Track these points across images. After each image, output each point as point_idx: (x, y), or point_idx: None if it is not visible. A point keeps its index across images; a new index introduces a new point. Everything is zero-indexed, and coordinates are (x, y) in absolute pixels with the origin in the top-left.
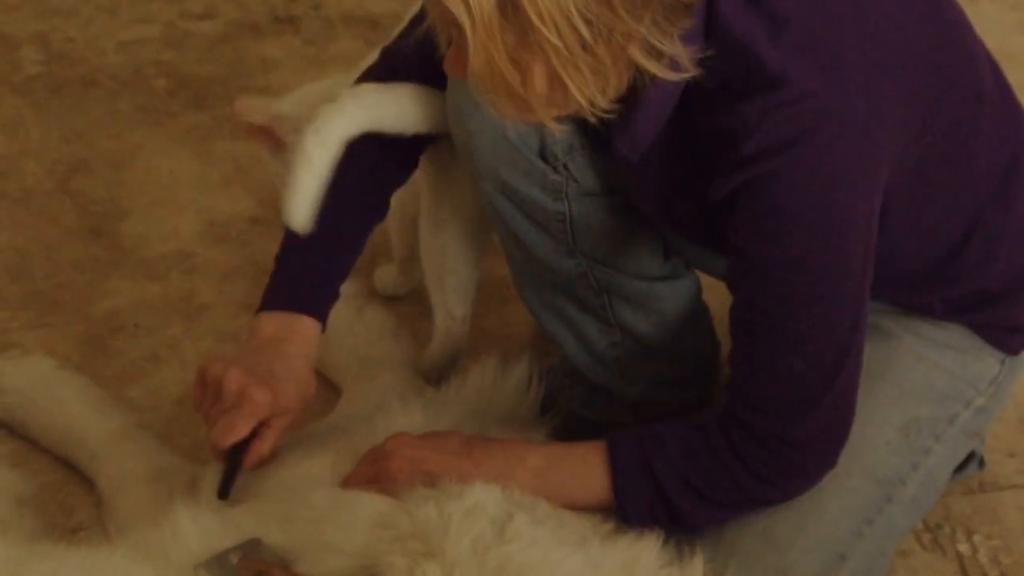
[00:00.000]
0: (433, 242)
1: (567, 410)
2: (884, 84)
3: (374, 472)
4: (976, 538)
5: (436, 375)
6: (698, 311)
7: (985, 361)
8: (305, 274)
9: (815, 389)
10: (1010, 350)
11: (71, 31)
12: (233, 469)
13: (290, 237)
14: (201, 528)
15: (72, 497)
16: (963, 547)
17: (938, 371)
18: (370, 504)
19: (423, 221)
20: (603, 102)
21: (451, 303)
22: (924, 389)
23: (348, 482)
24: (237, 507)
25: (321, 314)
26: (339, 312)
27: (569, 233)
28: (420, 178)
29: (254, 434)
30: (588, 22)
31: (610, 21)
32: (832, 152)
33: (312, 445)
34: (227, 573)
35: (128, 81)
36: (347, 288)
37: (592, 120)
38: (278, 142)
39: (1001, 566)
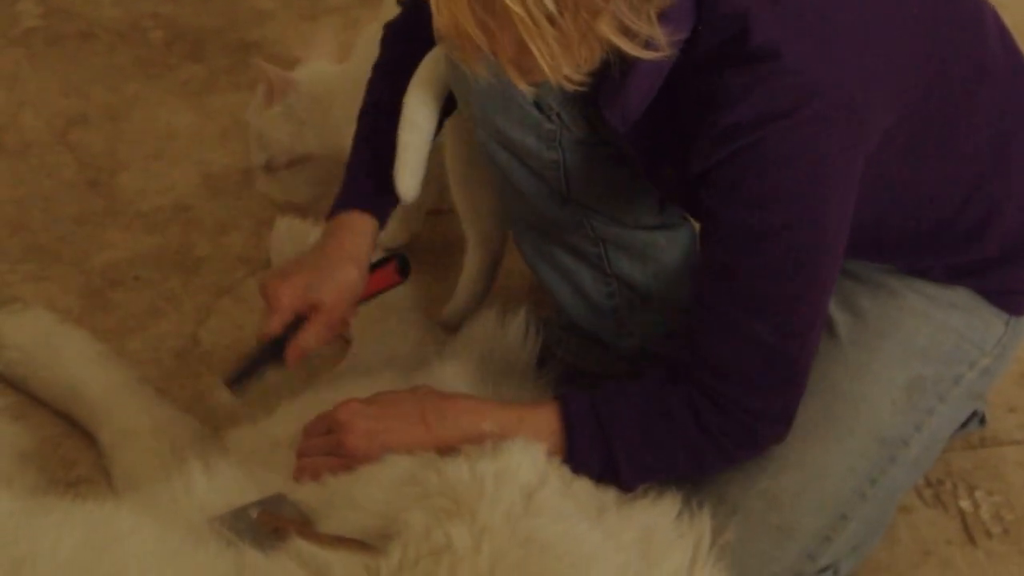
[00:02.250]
0: (465, 172)
1: (563, 362)
2: (876, 60)
3: (330, 445)
4: (978, 494)
5: (459, 318)
6: (694, 262)
7: (990, 322)
8: (360, 175)
9: (779, 360)
10: (1014, 311)
11: None
12: (254, 365)
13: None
14: (218, 482)
15: (73, 451)
16: (965, 503)
17: (944, 331)
18: (401, 463)
19: (452, 153)
20: (574, 75)
21: (488, 226)
22: (930, 348)
23: (301, 453)
24: (260, 461)
25: (373, 208)
26: None
27: (563, 181)
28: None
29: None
30: None
31: None
32: (817, 127)
33: (333, 392)
34: (244, 527)
35: (125, 34)
36: None
37: (568, 90)
38: (277, 96)
39: (1004, 522)
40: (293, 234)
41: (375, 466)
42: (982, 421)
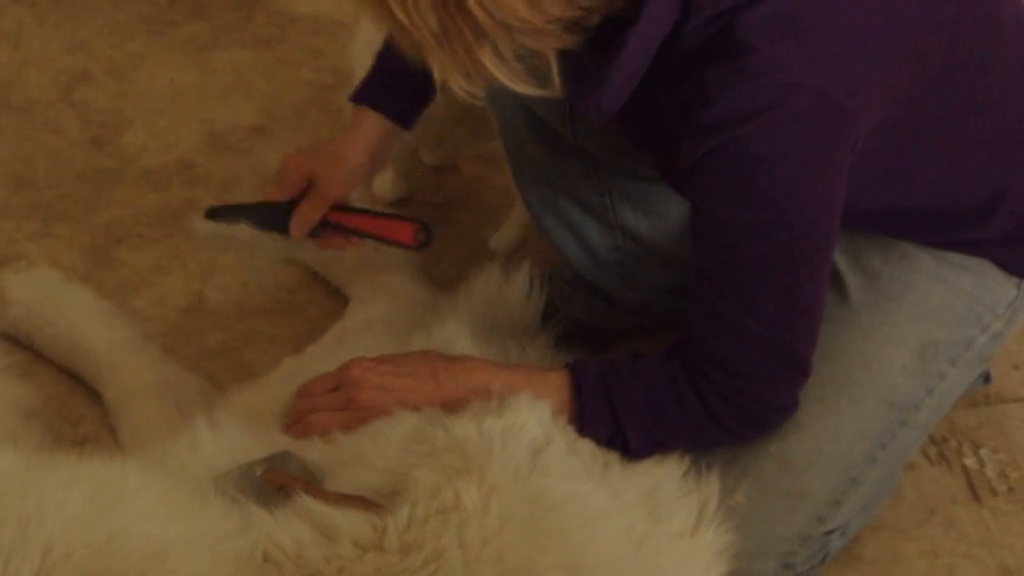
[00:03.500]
0: None
1: (568, 318)
2: (861, 57)
3: (340, 401)
4: (983, 452)
5: (508, 246)
6: None
7: (1002, 285)
8: (378, 76)
9: (776, 351)
10: None
11: None
12: (236, 209)
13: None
14: (223, 440)
15: (79, 408)
16: (970, 461)
17: (956, 293)
18: (407, 420)
19: None
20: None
21: None
22: (942, 311)
23: (308, 409)
24: (265, 419)
25: (386, 110)
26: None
27: (570, 128)
28: None
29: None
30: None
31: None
32: (795, 126)
33: (333, 350)
34: (250, 485)
35: None
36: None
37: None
38: None
39: (1009, 480)
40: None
41: (382, 423)
42: (987, 379)
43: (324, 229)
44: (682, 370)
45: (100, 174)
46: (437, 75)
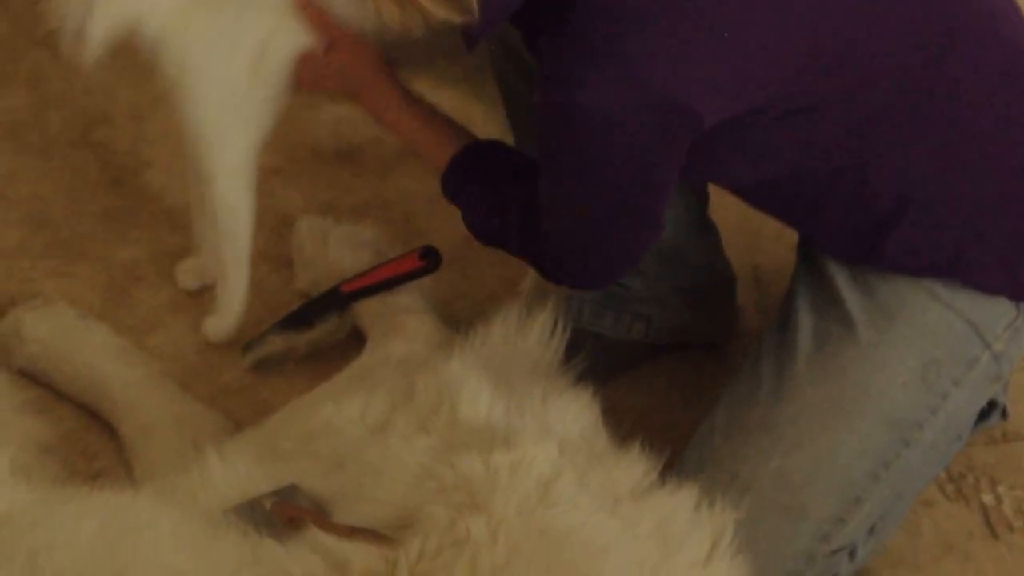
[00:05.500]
0: None
1: (578, 329)
2: (710, 44)
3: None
4: (1000, 488)
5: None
6: (704, 216)
7: (1000, 304)
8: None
9: (576, 253)
10: (1017, 297)
11: None
12: (274, 330)
13: None
14: (233, 472)
15: (94, 444)
16: (987, 498)
17: (952, 312)
18: (415, 456)
19: None
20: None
21: None
22: (940, 330)
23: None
24: (274, 453)
25: None
26: (362, 259)
27: None
28: None
29: None
30: None
31: None
32: (618, 112)
33: (345, 388)
34: (260, 518)
35: None
36: (368, 234)
37: None
38: None
39: None
40: (314, 233)
41: (388, 461)
42: (1004, 414)
43: (345, 304)
44: (524, 203)
45: (118, 214)
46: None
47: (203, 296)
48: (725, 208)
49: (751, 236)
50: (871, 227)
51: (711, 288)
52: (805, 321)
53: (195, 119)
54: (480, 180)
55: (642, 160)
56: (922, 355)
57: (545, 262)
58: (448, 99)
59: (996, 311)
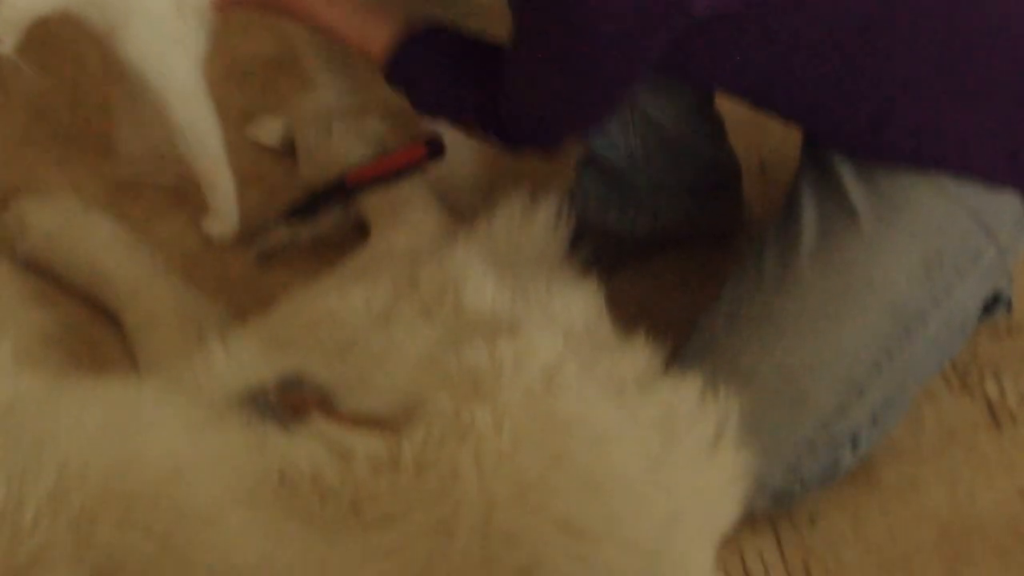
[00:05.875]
0: None
1: (589, 229)
2: None
3: None
4: (1004, 380)
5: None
6: (709, 109)
7: (1007, 198)
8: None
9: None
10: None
11: None
12: (276, 223)
13: None
14: (237, 361)
15: (98, 334)
16: (991, 389)
17: (958, 205)
18: (419, 345)
19: None
20: None
21: None
22: (945, 222)
23: None
24: (277, 343)
25: None
26: (366, 150)
27: None
28: None
29: None
30: None
31: None
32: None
33: (349, 278)
34: (264, 407)
35: None
36: (372, 125)
37: None
38: None
39: None
40: (318, 125)
41: (392, 349)
42: (1008, 307)
43: (349, 196)
44: (480, 77)
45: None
46: None
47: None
48: (731, 101)
49: (758, 129)
50: (871, 119)
51: (717, 181)
52: (809, 213)
53: (137, 57)
54: (430, 61)
55: (626, 44)
56: (926, 247)
57: (504, 129)
58: None
59: (1002, 205)
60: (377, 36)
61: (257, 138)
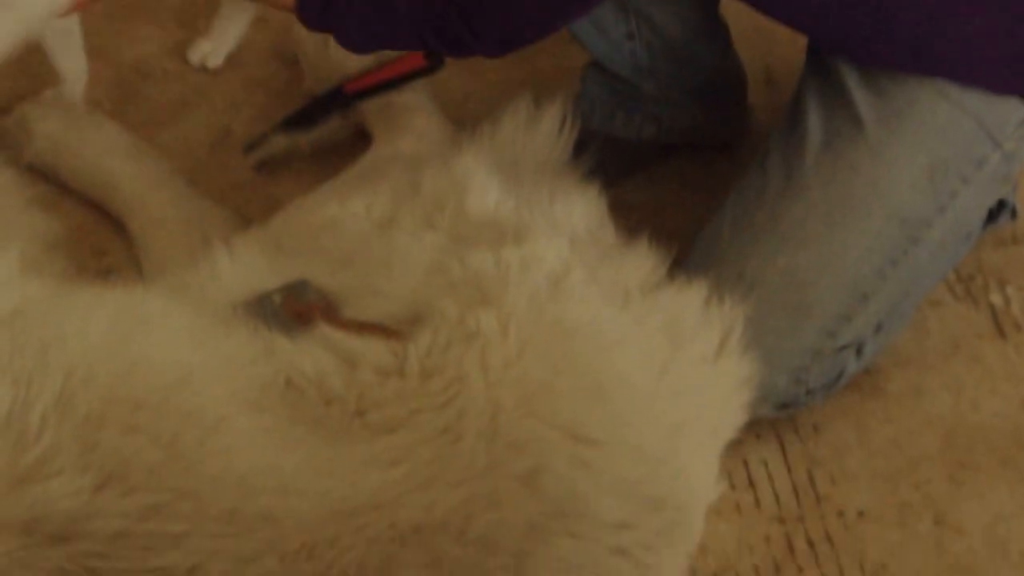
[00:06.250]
0: None
1: (593, 134)
2: None
3: None
4: (1009, 289)
5: None
6: (715, 16)
7: (1011, 104)
8: None
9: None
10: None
11: None
12: (275, 130)
13: None
14: (241, 268)
15: (103, 240)
16: (996, 298)
17: (962, 111)
18: (423, 251)
19: None
20: None
21: None
22: (949, 129)
23: None
24: (281, 250)
25: None
26: (366, 58)
27: None
28: None
29: None
30: None
31: None
32: None
33: (352, 185)
34: (269, 314)
35: None
36: None
37: None
38: None
39: None
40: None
41: (396, 255)
42: (1013, 214)
43: (349, 104)
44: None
45: (126, 10)
46: None
47: (211, 94)
48: (737, 8)
49: (764, 36)
50: (873, 23)
51: (722, 88)
52: (814, 121)
53: None
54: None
55: None
56: (931, 154)
57: (460, 33)
58: None
59: (1007, 111)
60: None
61: (204, 63)
